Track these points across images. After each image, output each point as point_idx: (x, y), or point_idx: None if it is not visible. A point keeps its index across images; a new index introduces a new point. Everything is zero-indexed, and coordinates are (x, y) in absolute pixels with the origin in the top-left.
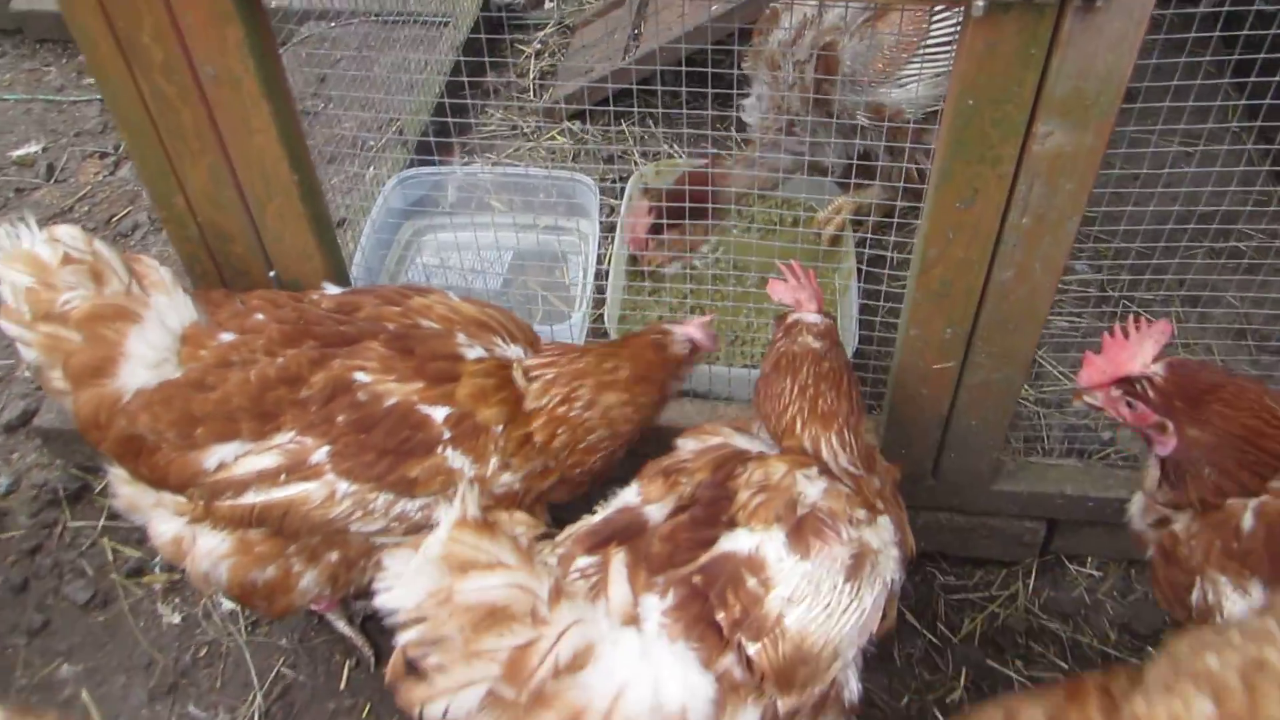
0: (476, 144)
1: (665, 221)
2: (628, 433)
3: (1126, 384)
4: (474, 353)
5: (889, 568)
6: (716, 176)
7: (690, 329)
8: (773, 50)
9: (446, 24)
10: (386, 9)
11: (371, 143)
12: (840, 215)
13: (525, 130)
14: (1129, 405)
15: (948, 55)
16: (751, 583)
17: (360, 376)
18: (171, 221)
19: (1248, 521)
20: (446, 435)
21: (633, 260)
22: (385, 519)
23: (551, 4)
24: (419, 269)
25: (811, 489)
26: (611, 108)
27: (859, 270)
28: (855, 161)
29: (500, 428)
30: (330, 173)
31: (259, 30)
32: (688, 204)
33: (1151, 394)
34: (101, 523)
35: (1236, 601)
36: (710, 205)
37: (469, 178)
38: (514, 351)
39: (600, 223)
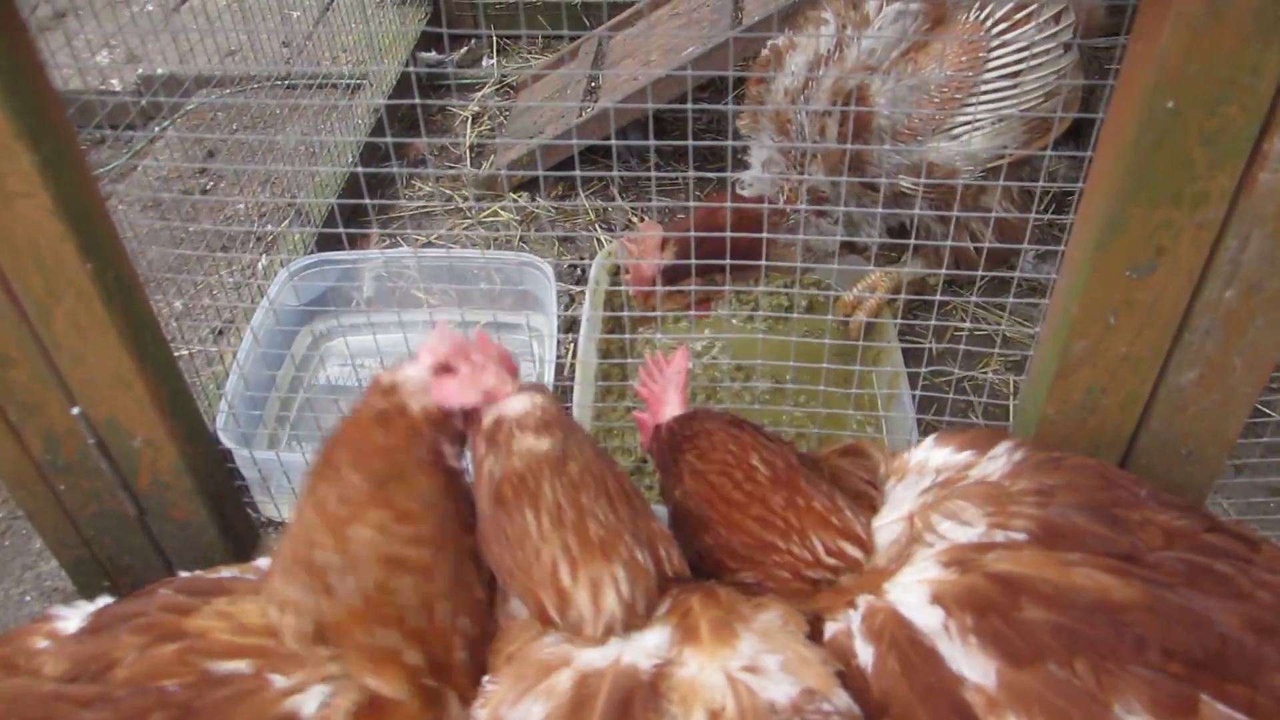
0: (399, 223)
1: (692, 262)
2: (439, 565)
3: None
4: (311, 701)
5: None
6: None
7: (421, 368)
8: (778, 104)
9: (359, 87)
10: (294, 73)
11: (270, 228)
12: (875, 296)
13: (462, 206)
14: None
15: (1011, 93)
16: None
17: None
18: None
19: (862, 652)
20: None
21: (604, 350)
22: None
23: (490, 61)
24: (325, 383)
25: (774, 685)
26: (578, 173)
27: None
28: (891, 235)
29: None
30: (218, 264)
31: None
32: (728, 234)
33: (655, 449)
34: None
35: None
36: (765, 238)
37: (388, 264)
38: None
39: (559, 316)
